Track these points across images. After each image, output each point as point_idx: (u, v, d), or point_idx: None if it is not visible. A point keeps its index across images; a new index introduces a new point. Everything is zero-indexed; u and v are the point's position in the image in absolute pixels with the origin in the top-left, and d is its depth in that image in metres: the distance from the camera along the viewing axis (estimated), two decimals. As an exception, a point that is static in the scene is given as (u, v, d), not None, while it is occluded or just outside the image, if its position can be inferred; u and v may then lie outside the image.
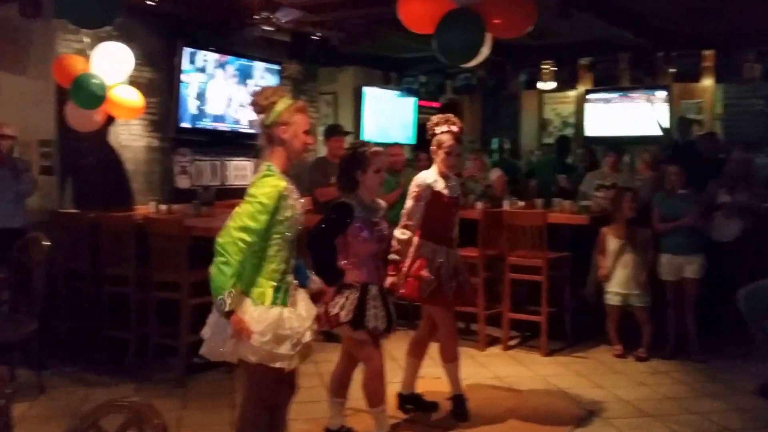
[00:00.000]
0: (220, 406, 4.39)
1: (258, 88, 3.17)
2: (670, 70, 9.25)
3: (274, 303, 2.86)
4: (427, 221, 4.04)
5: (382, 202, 3.73)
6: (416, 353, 4.31)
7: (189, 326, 4.75)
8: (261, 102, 2.97)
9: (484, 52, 5.03)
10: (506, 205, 6.22)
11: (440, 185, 4.08)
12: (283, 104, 2.94)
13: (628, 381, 4.94)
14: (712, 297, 5.41)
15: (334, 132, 6.74)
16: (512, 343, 5.79)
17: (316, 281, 3.26)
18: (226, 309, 2.75)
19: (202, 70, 6.67)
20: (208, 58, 6.71)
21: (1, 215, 5.13)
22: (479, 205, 6.20)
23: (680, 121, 9.38)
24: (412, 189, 4.06)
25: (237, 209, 2.85)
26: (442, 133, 4.12)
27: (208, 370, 4.96)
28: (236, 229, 2.78)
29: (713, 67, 9.18)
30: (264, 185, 2.84)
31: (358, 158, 3.55)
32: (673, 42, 8.76)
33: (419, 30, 5.18)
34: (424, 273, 3.99)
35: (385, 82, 10.11)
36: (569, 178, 7.72)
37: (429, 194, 4.04)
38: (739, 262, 5.32)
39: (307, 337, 2.94)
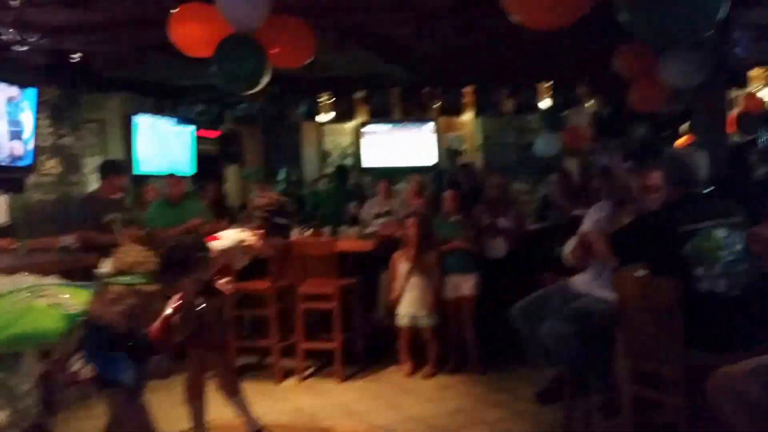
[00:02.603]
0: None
1: None
2: (436, 104, 9.94)
3: None
4: None
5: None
6: (193, 396, 4.05)
7: None
8: None
9: (264, 80, 4.99)
10: (294, 235, 6.19)
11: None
12: None
13: (419, 398, 5.08)
14: (488, 312, 5.80)
15: (112, 168, 6.16)
16: (308, 372, 5.71)
17: None
18: None
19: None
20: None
21: None
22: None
23: (448, 153, 10.12)
24: None
25: None
26: None
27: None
28: None
29: (473, 102, 10.01)
30: None
31: None
32: (438, 78, 9.42)
33: (195, 54, 5.00)
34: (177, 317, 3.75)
35: (157, 111, 9.59)
36: (357, 206, 7.89)
37: None
38: (509, 278, 5.77)
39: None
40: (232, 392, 4.03)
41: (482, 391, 5.25)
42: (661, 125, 10.00)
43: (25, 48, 6.13)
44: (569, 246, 4.40)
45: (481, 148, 10.67)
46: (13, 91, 6.70)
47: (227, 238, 3.89)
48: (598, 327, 3.99)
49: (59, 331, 2.60)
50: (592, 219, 4.36)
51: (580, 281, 4.40)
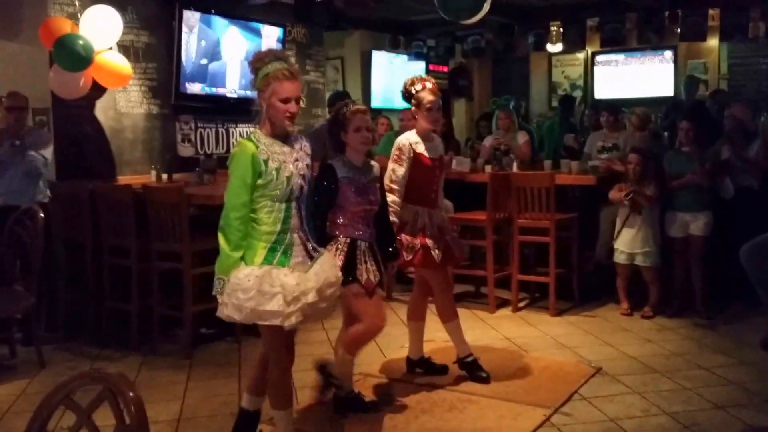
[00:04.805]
0: (227, 376, 4.34)
1: (259, 50, 3.08)
2: (677, 29, 9.08)
3: (265, 262, 2.84)
4: (408, 183, 3.95)
5: (375, 164, 3.66)
6: (416, 316, 4.27)
7: (193, 297, 4.66)
8: (252, 65, 2.96)
9: (485, 7, 4.95)
10: (514, 168, 6.19)
11: (421, 147, 3.98)
12: (266, 69, 2.89)
13: (635, 338, 4.93)
14: (718, 253, 5.38)
15: (339, 100, 6.67)
16: (521, 304, 5.79)
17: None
18: (215, 293, 2.88)
19: (203, 33, 6.57)
20: (209, 21, 6.61)
21: (7, 192, 4.91)
22: (488, 168, 6.19)
23: (688, 81, 9.27)
24: (394, 152, 3.97)
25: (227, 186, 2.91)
26: (420, 91, 4.00)
27: (215, 341, 4.96)
28: (228, 210, 2.86)
29: (719, 26, 8.99)
30: (235, 158, 2.89)
31: (339, 119, 3.54)
32: (679, 0, 8.60)
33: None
34: (404, 236, 3.92)
35: (393, 47, 9.99)
36: (577, 137, 7.63)
37: (410, 156, 3.95)
38: (745, 219, 5.27)
39: (311, 297, 2.84)
40: (448, 317, 4.16)
41: (703, 336, 4.98)
42: None
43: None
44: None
45: (727, 76, 9.60)
46: (266, 30, 7.25)
47: None
48: None
49: None
50: None
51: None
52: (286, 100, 2.87)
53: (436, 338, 4.59)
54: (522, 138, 7.05)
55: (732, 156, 5.65)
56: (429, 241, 3.95)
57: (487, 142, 7.21)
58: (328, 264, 3.00)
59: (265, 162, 2.84)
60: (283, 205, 2.88)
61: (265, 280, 2.80)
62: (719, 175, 5.50)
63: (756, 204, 5.37)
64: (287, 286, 2.81)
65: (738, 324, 5.19)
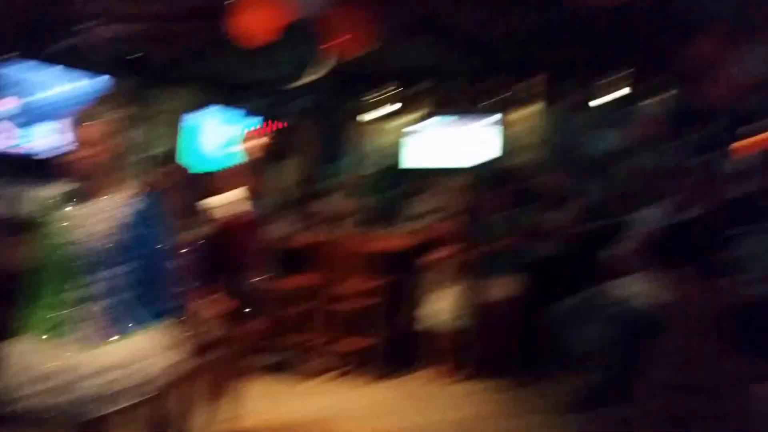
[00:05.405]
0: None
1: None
2: (501, 96, 9.52)
3: (37, 334, 2.52)
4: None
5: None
6: (215, 396, 4.03)
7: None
8: None
9: (316, 70, 4.96)
10: (332, 233, 6.14)
11: (230, 208, 3.94)
12: None
13: (448, 403, 4.98)
14: (527, 316, 5.56)
15: (165, 159, 6.43)
16: (334, 373, 5.64)
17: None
18: None
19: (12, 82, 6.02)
20: (19, 68, 6.06)
21: None
22: (306, 233, 6.10)
23: (507, 146, 9.71)
24: None
25: None
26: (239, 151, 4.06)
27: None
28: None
29: (543, 92, 9.49)
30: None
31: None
32: (504, 68, 8.98)
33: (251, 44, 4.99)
34: None
35: (222, 104, 9.79)
36: (392, 200, 7.76)
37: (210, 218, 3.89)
38: (552, 280, 5.52)
39: (54, 381, 2.42)
40: (216, 395, 3.95)
41: (512, 398, 5.10)
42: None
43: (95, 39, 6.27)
44: (623, 247, 4.22)
45: (549, 141, 10.10)
46: (87, 80, 6.80)
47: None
48: (643, 331, 3.79)
49: None
50: (655, 219, 4.22)
51: (627, 284, 4.22)
52: (72, 149, 2.60)
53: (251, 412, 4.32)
54: (357, 203, 7.06)
55: (541, 221, 5.94)
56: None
57: (325, 205, 7.14)
58: (126, 347, 2.52)
59: (49, 224, 2.58)
60: (72, 273, 2.53)
61: (16, 352, 2.49)
62: (527, 240, 5.74)
63: (561, 267, 5.62)
64: (30, 363, 2.45)
65: (545, 384, 5.30)
